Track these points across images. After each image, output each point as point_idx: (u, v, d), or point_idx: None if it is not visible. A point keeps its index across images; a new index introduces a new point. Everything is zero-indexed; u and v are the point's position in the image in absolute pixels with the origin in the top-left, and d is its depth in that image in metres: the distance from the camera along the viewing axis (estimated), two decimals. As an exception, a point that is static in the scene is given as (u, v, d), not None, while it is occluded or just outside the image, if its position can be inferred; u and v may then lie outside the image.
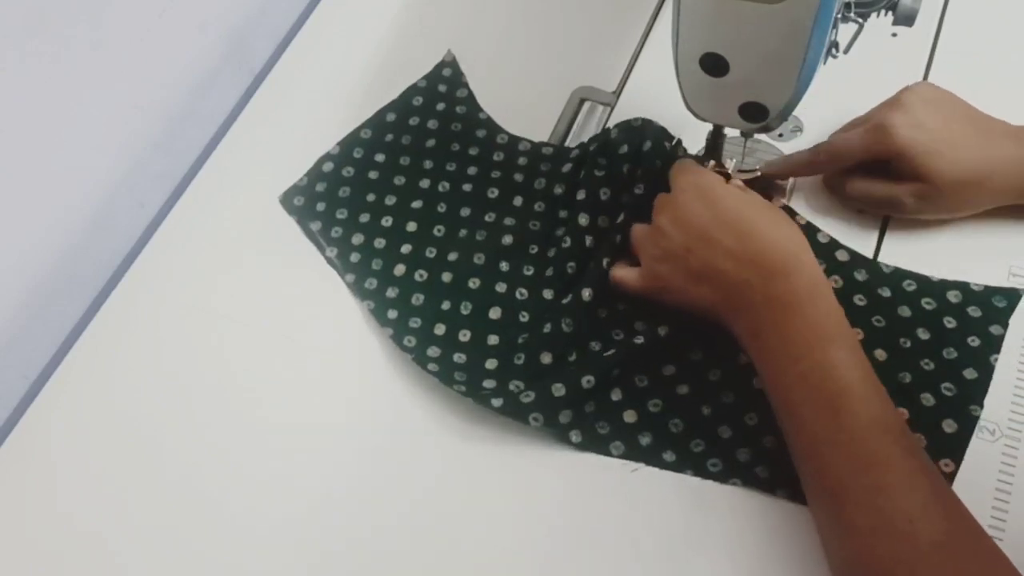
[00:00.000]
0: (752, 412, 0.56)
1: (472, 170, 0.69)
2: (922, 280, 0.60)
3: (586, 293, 0.60)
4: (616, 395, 0.58)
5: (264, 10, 0.80)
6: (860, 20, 0.57)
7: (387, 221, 0.66)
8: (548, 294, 0.62)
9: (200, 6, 0.73)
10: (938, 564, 0.45)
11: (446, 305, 0.62)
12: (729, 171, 0.65)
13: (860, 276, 0.60)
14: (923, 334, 0.58)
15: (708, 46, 0.53)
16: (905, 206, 0.60)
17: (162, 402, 0.61)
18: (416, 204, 0.67)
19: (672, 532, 0.54)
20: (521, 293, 0.62)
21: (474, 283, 0.63)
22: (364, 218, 0.66)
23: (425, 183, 0.68)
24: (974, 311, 0.58)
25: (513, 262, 0.63)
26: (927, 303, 0.59)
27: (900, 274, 0.60)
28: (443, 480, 0.57)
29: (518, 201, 0.67)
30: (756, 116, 0.56)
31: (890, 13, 0.58)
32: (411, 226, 0.66)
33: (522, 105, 0.72)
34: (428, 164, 0.69)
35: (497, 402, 0.56)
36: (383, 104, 0.72)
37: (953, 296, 0.59)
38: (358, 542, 0.55)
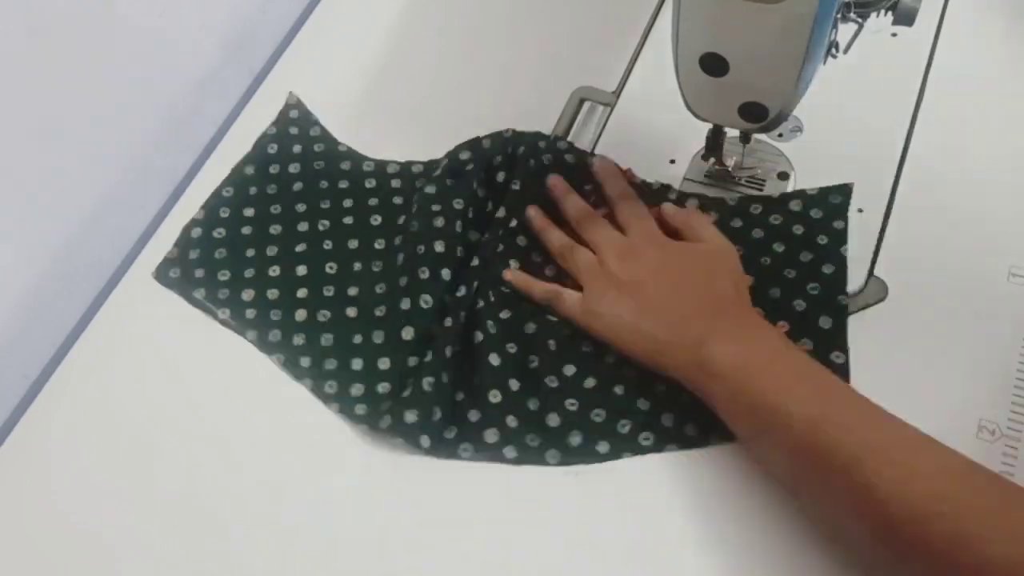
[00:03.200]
0: (658, 381, 0.57)
1: (348, 202, 0.67)
2: (765, 200, 0.63)
3: (481, 304, 0.60)
4: (533, 404, 0.57)
5: (264, 10, 0.80)
6: (860, 20, 0.57)
7: (274, 271, 0.64)
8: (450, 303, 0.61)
9: (200, 6, 0.73)
10: (978, 484, 0.46)
11: (357, 339, 0.61)
12: (730, 169, 0.65)
13: (712, 217, 0.63)
14: (778, 247, 0.61)
15: (708, 46, 0.53)
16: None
17: (162, 402, 0.61)
18: (300, 247, 0.65)
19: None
20: (426, 301, 0.60)
21: (380, 311, 0.61)
22: (249, 273, 0.64)
23: (303, 225, 0.66)
24: (816, 213, 0.62)
25: (411, 279, 0.61)
26: (775, 219, 0.62)
27: (745, 201, 0.64)
28: (442, 483, 0.57)
29: (401, 219, 0.66)
30: (756, 116, 0.56)
31: (890, 13, 0.58)
32: (301, 270, 0.64)
33: (522, 105, 0.72)
34: (301, 207, 0.67)
35: (425, 442, 0.56)
36: (383, 103, 0.72)
37: (795, 205, 0.62)
38: (356, 543, 0.55)
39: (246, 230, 0.67)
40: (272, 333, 0.62)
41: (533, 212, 0.64)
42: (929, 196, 0.63)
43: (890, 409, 0.55)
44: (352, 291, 0.63)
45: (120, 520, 0.57)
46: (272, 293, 0.63)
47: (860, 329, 0.58)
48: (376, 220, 0.67)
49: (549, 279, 0.62)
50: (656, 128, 0.69)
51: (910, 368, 0.57)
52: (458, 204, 0.63)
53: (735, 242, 0.61)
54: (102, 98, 0.67)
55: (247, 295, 0.64)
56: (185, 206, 0.70)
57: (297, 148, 0.70)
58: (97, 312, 0.65)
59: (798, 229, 0.61)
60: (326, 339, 0.61)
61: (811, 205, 0.62)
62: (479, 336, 0.59)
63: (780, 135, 0.67)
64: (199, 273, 0.65)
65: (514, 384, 0.58)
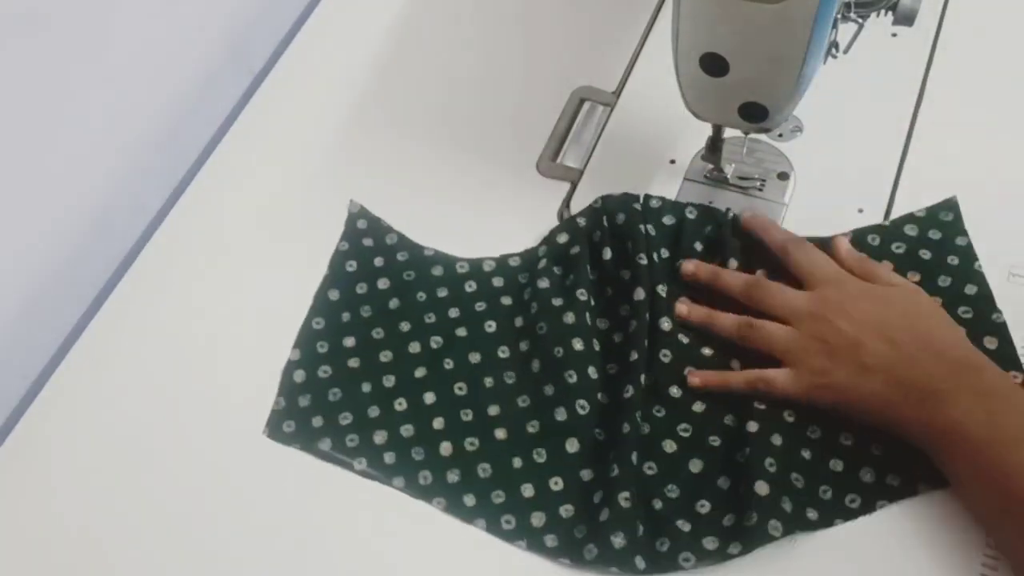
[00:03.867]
0: (843, 436, 0.54)
1: (454, 312, 0.62)
2: (880, 229, 0.61)
3: (630, 390, 0.56)
4: (748, 494, 0.52)
5: (264, 10, 0.80)
6: (860, 20, 0.57)
7: (400, 404, 0.58)
8: (603, 398, 0.57)
9: (200, 6, 0.73)
10: None
11: (517, 463, 0.56)
12: (728, 177, 0.65)
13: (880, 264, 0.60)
14: (913, 276, 0.59)
15: (708, 46, 0.53)
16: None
17: (161, 403, 0.61)
18: (420, 372, 0.60)
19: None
20: (583, 407, 0.56)
21: (533, 427, 0.57)
22: (374, 412, 0.58)
23: (415, 346, 0.61)
24: (934, 234, 0.60)
25: (558, 386, 0.57)
26: (897, 248, 0.60)
27: (859, 234, 0.61)
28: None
29: (519, 321, 0.61)
30: (756, 116, 0.56)
31: (890, 13, 0.58)
32: (429, 398, 0.59)
33: (522, 105, 0.72)
34: (405, 326, 0.62)
35: (640, 563, 0.51)
36: (383, 103, 0.72)
37: (910, 230, 0.61)
38: (349, 553, 0.55)
39: (353, 363, 0.60)
40: (422, 475, 0.56)
41: (685, 308, 0.59)
42: (929, 196, 0.63)
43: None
44: (493, 410, 0.58)
45: (119, 520, 0.57)
46: (406, 430, 0.58)
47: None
48: (491, 327, 0.61)
49: (712, 360, 0.58)
50: (656, 128, 0.69)
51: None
52: (582, 295, 0.60)
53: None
54: (102, 98, 0.67)
55: (379, 438, 0.57)
56: (185, 206, 0.70)
57: (379, 261, 0.64)
58: (97, 312, 0.65)
59: (925, 254, 0.59)
60: (483, 470, 0.56)
61: (927, 227, 0.60)
62: (670, 445, 0.55)
63: (780, 135, 0.67)
64: (317, 422, 0.58)
65: (723, 482, 0.54)
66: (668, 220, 0.62)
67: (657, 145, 0.68)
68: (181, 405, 0.61)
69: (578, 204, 0.66)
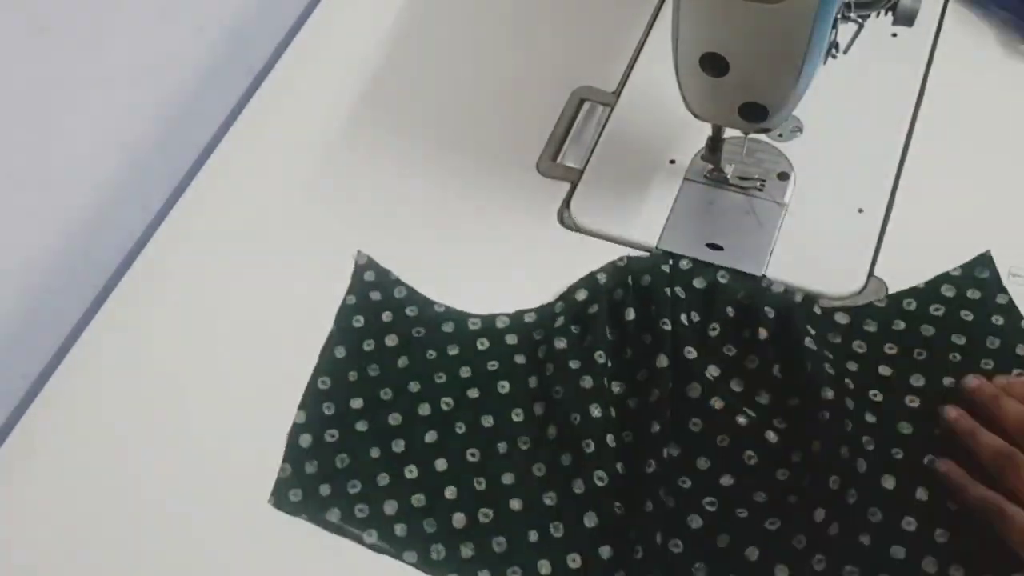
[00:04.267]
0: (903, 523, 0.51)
1: (465, 371, 0.60)
2: (914, 293, 0.59)
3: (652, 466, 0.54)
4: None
5: (264, 10, 0.80)
6: (860, 20, 0.57)
7: (411, 471, 0.56)
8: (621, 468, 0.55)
9: (200, 6, 0.73)
10: None
11: (534, 536, 0.54)
12: (728, 177, 0.65)
13: (871, 327, 0.58)
14: (959, 340, 0.56)
15: (708, 46, 0.53)
16: None
17: (162, 402, 0.61)
18: (430, 437, 0.57)
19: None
20: (600, 479, 0.54)
21: (550, 499, 0.54)
22: (383, 479, 0.56)
23: (425, 408, 0.58)
24: (973, 293, 0.58)
25: (576, 456, 0.55)
26: (936, 310, 0.58)
27: (893, 300, 0.59)
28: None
29: (533, 382, 0.59)
30: (756, 116, 0.56)
31: (890, 13, 0.58)
32: (440, 464, 0.56)
33: (522, 105, 0.72)
34: (415, 386, 0.59)
35: None
36: (383, 103, 0.72)
37: (947, 290, 0.58)
38: (351, 563, 0.55)
39: (361, 426, 0.58)
40: (434, 550, 0.54)
41: (955, 413, 0.54)
42: (929, 196, 0.63)
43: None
44: (507, 479, 0.55)
45: (119, 520, 0.57)
46: (418, 499, 0.55)
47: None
48: (504, 387, 0.59)
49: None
50: (656, 128, 0.69)
51: (910, 368, 0.57)
52: (600, 358, 0.57)
53: (912, 345, 0.56)
54: (102, 97, 0.67)
55: (390, 508, 0.55)
56: (185, 206, 0.70)
57: (387, 316, 0.62)
58: (97, 312, 0.65)
59: (967, 315, 0.57)
60: (498, 544, 0.53)
61: (964, 286, 0.58)
62: (696, 521, 0.53)
63: (780, 135, 0.67)
64: (325, 490, 0.56)
65: (752, 553, 0.52)
66: (699, 283, 0.60)
67: (657, 145, 0.68)
68: (181, 405, 0.61)
69: (578, 204, 0.66)
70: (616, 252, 0.64)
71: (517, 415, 0.58)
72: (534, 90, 0.73)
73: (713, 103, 0.57)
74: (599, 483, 0.54)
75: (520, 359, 0.60)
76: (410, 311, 0.62)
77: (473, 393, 0.59)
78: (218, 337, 0.63)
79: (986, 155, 0.65)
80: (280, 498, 0.56)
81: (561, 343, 0.58)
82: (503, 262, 0.65)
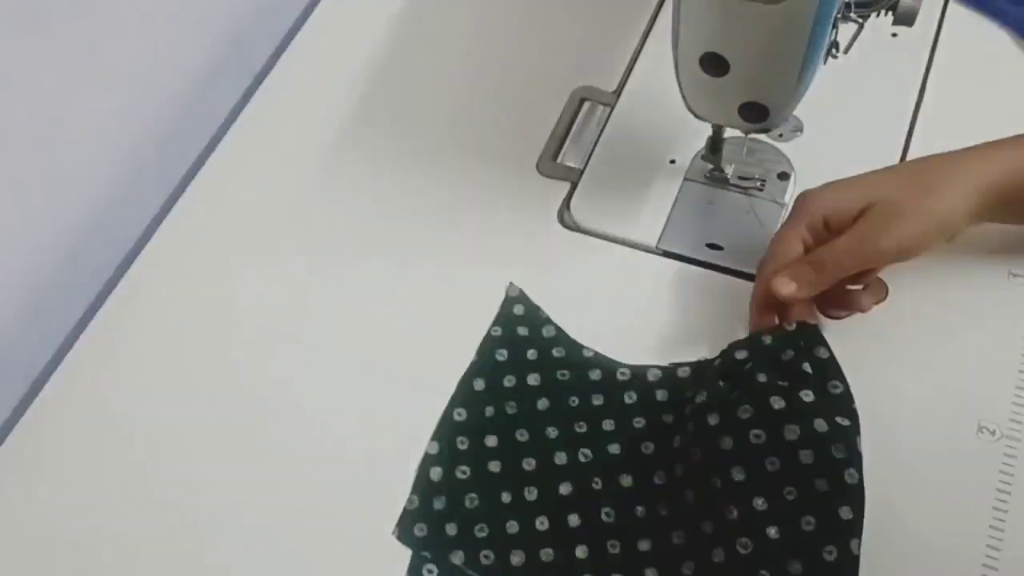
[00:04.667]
0: None
1: (608, 425, 0.56)
2: (742, 348, 0.55)
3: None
4: None
5: (264, 10, 0.80)
6: (860, 20, 0.57)
7: (542, 523, 0.53)
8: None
9: (200, 6, 0.73)
10: None
11: None
12: (728, 177, 0.65)
13: (701, 398, 0.54)
14: (777, 403, 0.52)
15: (708, 46, 0.53)
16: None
17: (162, 403, 0.61)
18: (565, 490, 0.54)
19: None
20: (744, 545, 0.49)
21: (688, 568, 0.51)
22: (512, 527, 0.53)
23: (562, 458, 0.55)
24: (787, 354, 0.54)
25: (716, 521, 0.51)
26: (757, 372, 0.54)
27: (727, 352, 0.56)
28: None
29: (677, 442, 0.55)
30: (756, 116, 0.56)
31: (890, 13, 0.58)
32: (574, 520, 0.53)
33: (522, 105, 0.72)
34: (553, 433, 0.56)
35: None
36: (383, 103, 0.72)
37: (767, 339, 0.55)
38: (356, 558, 0.55)
39: (494, 466, 0.55)
40: None
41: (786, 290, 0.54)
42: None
43: (890, 409, 0.56)
44: (643, 545, 0.52)
45: (119, 521, 0.57)
46: (546, 554, 0.52)
47: (860, 329, 0.58)
48: (648, 448, 0.55)
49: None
50: (656, 128, 0.69)
51: (910, 368, 0.57)
52: (744, 413, 0.51)
53: (743, 404, 0.52)
54: (102, 98, 0.67)
55: (516, 559, 0.52)
56: (185, 206, 0.70)
57: (532, 354, 0.59)
58: (97, 312, 0.65)
59: (807, 368, 0.54)
60: None
61: (780, 345, 0.55)
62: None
63: (780, 135, 0.67)
64: (451, 530, 0.54)
65: None
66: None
67: (657, 145, 0.68)
68: (181, 405, 0.61)
69: (578, 204, 0.66)
70: (616, 252, 0.64)
71: (659, 478, 0.54)
72: (534, 90, 0.73)
73: (713, 103, 0.57)
74: (742, 550, 0.49)
75: (668, 418, 0.56)
76: (556, 352, 0.59)
77: (614, 449, 0.56)
78: (218, 336, 0.63)
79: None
80: (405, 531, 0.54)
81: (702, 398, 0.54)
82: (503, 262, 0.65)
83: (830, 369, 0.54)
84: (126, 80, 0.68)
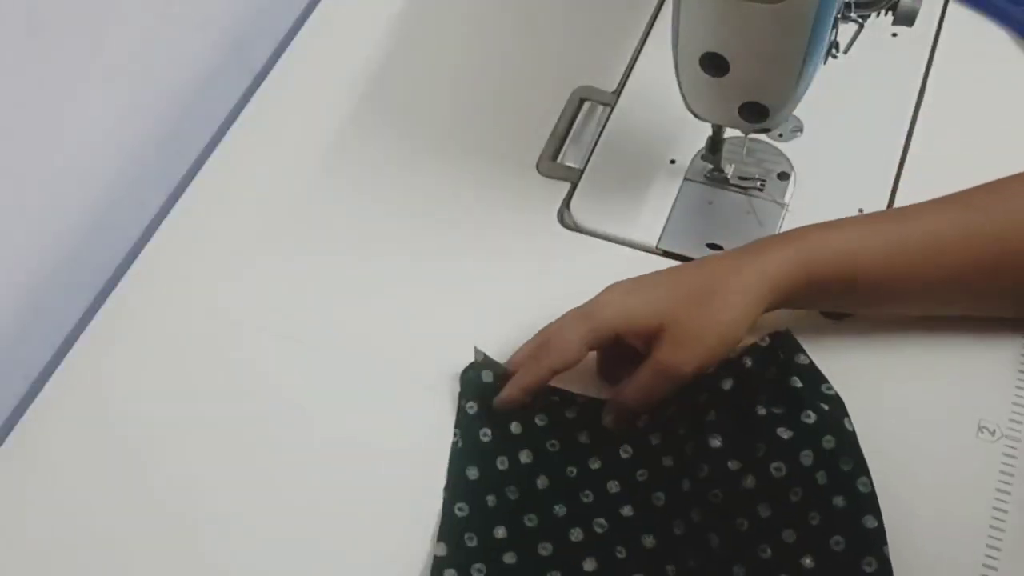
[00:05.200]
0: None
1: (614, 486, 0.55)
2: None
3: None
4: None
5: (264, 10, 0.80)
6: (860, 20, 0.57)
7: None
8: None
9: (200, 6, 0.73)
10: None
11: None
12: (728, 177, 0.65)
13: (683, 430, 0.54)
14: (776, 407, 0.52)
15: (708, 46, 0.53)
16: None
17: (162, 402, 0.61)
18: (590, 566, 0.53)
19: None
20: None
21: None
22: None
23: (578, 535, 0.53)
24: (771, 372, 0.53)
25: (747, 568, 0.49)
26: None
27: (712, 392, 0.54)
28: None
29: (687, 485, 0.53)
30: (756, 116, 0.56)
31: (890, 13, 0.58)
32: (589, 564, 0.52)
33: (522, 105, 0.72)
34: (561, 510, 0.54)
35: None
36: (383, 103, 0.72)
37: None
38: (356, 558, 0.55)
39: (509, 558, 0.52)
40: None
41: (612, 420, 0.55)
42: (929, 196, 0.63)
43: (890, 409, 0.56)
44: None
45: (120, 520, 0.57)
46: None
47: (860, 329, 0.58)
48: (660, 499, 0.53)
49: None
50: (656, 128, 0.69)
51: (910, 368, 0.57)
52: (759, 450, 0.51)
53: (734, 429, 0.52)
54: (102, 98, 0.67)
55: None
56: (185, 206, 0.70)
57: (516, 427, 0.56)
58: (97, 312, 0.65)
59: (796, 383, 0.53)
60: None
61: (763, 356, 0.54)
62: None
63: (780, 135, 0.67)
64: None
65: None
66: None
67: (657, 145, 0.68)
68: (182, 405, 0.61)
69: (578, 204, 0.66)
70: (616, 252, 0.64)
71: (678, 528, 0.52)
72: (534, 90, 0.73)
73: (713, 103, 0.58)
74: None
75: (667, 461, 0.54)
76: (539, 420, 0.56)
77: (627, 511, 0.53)
78: (218, 337, 0.63)
79: (986, 155, 0.65)
80: None
81: (716, 442, 0.52)
82: (503, 262, 0.65)
83: (814, 374, 0.53)
84: (126, 80, 0.68)
